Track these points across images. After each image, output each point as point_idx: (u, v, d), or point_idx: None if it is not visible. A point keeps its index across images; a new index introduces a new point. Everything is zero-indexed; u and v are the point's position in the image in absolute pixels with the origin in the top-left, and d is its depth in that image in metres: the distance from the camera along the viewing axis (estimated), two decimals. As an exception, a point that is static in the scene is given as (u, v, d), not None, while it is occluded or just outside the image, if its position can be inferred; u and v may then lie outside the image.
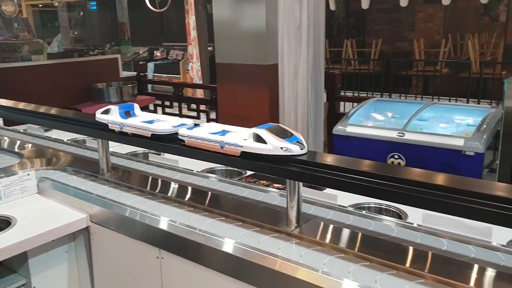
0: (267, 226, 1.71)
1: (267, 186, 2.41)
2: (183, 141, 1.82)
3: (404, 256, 1.47)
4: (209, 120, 6.34)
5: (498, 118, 3.69)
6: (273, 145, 1.57)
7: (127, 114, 2.09)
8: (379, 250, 1.51)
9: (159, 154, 2.74)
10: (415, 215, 1.76)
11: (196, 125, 1.94)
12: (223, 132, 1.78)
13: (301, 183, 1.67)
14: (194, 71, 9.10)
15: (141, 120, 1.99)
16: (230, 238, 1.63)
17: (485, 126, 3.66)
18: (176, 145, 1.86)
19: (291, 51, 2.34)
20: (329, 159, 1.62)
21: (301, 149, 1.58)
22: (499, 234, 1.56)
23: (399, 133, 3.96)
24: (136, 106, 2.15)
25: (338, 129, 4.29)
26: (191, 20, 9.02)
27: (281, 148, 1.57)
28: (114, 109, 2.09)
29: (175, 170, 2.40)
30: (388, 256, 1.46)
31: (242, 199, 1.99)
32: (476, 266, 1.39)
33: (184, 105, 6.92)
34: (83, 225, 2.03)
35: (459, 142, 3.58)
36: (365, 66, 9.70)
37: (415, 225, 1.70)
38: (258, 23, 4.09)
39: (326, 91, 5.51)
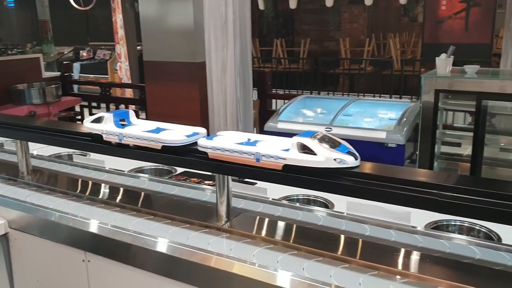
0: (196, 223, 1.70)
1: (198, 183, 2.40)
2: (205, 153, 1.55)
3: (330, 243, 1.52)
4: (139, 120, 6.18)
5: (417, 112, 3.90)
6: (325, 157, 1.36)
7: (122, 122, 1.81)
8: (307, 239, 1.55)
9: (85, 155, 2.63)
10: (341, 204, 1.82)
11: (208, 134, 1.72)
12: (252, 142, 1.55)
13: (230, 178, 1.68)
14: (123, 71, 8.85)
15: (143, 129, 1.72)
16: (159, 237, 1.60)
17: (405, 119, 3.86)
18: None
19: (218, 47, 2.34)
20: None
21: (356, 160, 1.37)
22: (417, 218, 1.65)
23: (326, 128, 4.08)
24: (132, 113, 1.87)
25: (270, 125, 4.36)
26: (118, 19, 8.77)
27: (335, 159, 1.36)
28: (108, 117, 1.78)
29: (101, 170, 2.32)
30: (315, 244, 1.50)
31: (171, 197, 1.97)
32: (397, 249, 1.46)
33: (112, 106, 6.72)
34: (0, 232, 1.91)
35: (381, 135, 3.75)
36: (294, 65, 9.91)
37: (344, 213, 1.75)
38: (186, 20, 4.05)
39: (257, 89, 5.58)
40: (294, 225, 1.67)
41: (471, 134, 3.50)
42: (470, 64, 3.80)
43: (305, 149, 1.39)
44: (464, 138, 3.82)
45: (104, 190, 2.07)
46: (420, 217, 1.70)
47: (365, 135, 3.83)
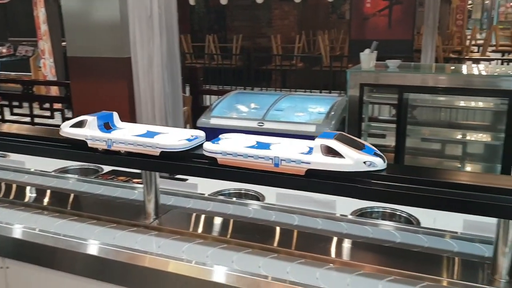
0: (124, 222, 1.65)
1: (126, 181, 2.34)
2: (213, 159, 1.39)
3: (259, 235, 1.53)
4: (64, 119, 5.92)
5: (344, 106, 4.03)
6: (355, 160, 1.24)
7: (106, 126, 1.61)
8: (237, 232, 1.56)
9: (4, 156, 2.48)
10: (273, 196, 1.84)
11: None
12: (264, 145, 1.40)
13: (157, 175, 1.64)
14: (47, 68, 8.41)
15: (134, 134, 1.55)
16: (83, 238, 1.54)
17: (333, 113, 3.99)
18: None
19: (143, 41, 2.28)
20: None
21: (384, 162, 1.27)
22: (343, 206, 1.71)
23: (259, 123, 4.13)
24: (116, 115, 1.67)
25: (202, 121, 4.33)
26: (40, 13, 8.31)
27: (364, 162, 1.25)
28: (91, 120, 1.56)
29: (22, 172, 2.20)
30: (245, 236, 1.51)
31: (96, 197, 1.90)
32: (323, 237, 1.50)
33: (36, 105, 6.37)
34: None
35: (311, 129, 3.85)
36: (227, 61, 9.90)
37: (274, 205, 1.77)
38: (112, 14, 3.92)
39: (189, 85, 5.53)
40: (225, 219, 1.67)
41: (395, 125, 3.67)
42: (394, 59, 3.98)
43: (330, 151, 1.26)
44: (388, 129, 4.00)
45: (25, 192, 1.96)
46: (347, 205, 1.76)
47: (296, 129, 3.91)
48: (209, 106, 4.74)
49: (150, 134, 1.54)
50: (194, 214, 1.71)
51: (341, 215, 1.65)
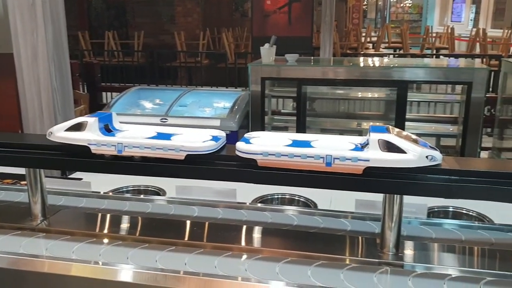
0: (7, 225, 1.51)
1: (12, 184, 2.16)
2: (253, 160, 1.23)
3: (156, 230, 1.48)
4: None
5: (247, 100, 4.08)
6: (418, 154, 1.14)
7: (107, 128, 1.40)
8: (132, 228, 1.49)
9: None
10: (173, 190, 1.79)
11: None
12: (303, 143, 1.26)
13: (43, 174, 1.52)
14: None
15: (145, 136, 1.35)
16: (-43, 245, 1.38)
17: (237, 107, 4.01)
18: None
19: (26, 31, 2.11)
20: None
21: (441, 155, 1.19)
22: (243, 194, 1.71)
23: (162, 119, 4.03)
24: (115, 116, 1.45)
25: (100, 120, 4.14)
26: None
27: (427, 157, 1.15)
28: (93, 122, 1.35)
29: None
30: (140, 231, 1.45)
31: (-25, 200, 1.72)
32: (223, 225, 1.49)
33: None
34: None
35: (216, 123, 3.84)
36: (129, 58, 9.58)
37: (174, 199, 1.73)
38: (-7, 6, 3.60)
39: (86, 82, 5.26)
40: (120, 216, 1.59)
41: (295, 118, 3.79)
42: (293, 54, 4.09)
43: (389, 147, 1.16)
44: (290, 122, 4.11)
45: None
46: (247, 193, 1.77)
47: (200, 124, 3.88)
48: (107, 103, 4.54)
49: (166, 136, 1.34)
50: (85, 213, 1.62)
51: (241, 203, 1.65)
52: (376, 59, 5.68)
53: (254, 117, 3.85)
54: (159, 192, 2.06)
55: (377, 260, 1.26)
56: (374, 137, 1.18)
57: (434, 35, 11.60)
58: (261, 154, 1.22)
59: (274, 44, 3.97)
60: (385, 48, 11.29)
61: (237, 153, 1.26)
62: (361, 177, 1.17)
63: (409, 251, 1.29)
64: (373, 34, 13.65)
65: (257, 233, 1.46)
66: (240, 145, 1.26)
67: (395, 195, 1.23)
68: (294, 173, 1.21)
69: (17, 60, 2.16)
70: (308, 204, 1.76)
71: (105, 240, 1.42)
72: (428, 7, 18.42)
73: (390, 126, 1.27)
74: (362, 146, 1.23)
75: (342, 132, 4.17)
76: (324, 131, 4.15)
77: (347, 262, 1.26)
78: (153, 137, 1.34)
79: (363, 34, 11.87)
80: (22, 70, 2.15)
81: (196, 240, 1.39)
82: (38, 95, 2.13)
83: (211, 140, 1.30)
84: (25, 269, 1.31)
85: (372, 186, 1.19)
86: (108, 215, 1.59)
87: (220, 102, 4.52)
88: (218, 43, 11.42)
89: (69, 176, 2.19)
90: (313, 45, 7.90)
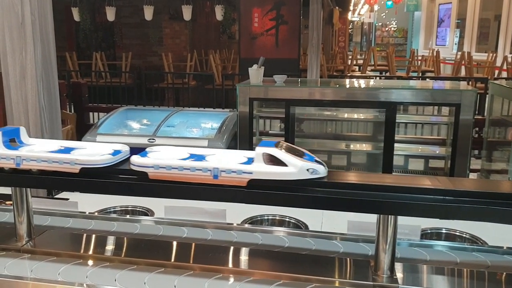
0: (-9, 246, 1.46)
1: (-4, 204, 2.10)
2: (144, 173, 1.25)
3: (145, 251, 1.44)
4: None
5: (235, 121, 4.07)
6: (298, 167, 1.18)
7: (13, 142, 1.42)
8: (120, 249, 1.46)
9: None
10: (161, 210, 1.76)
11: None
12: (199, 157, 1.30)
13: (29, 193, 1.48)
14: None
15: (47, 150, 1.37)
16: None
17: (224, 128, 4.00)
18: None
19: (15, 50, 2.08)
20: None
21: (325, 169, 1.23)
22: (233, 215, 1.69)
23: (149, 139, 4.00)
24: (23, 131, 1.48)
25: (87, 139, 4.09)
26: None
27: (307, 170, 1.19)
28: None
29: None
30: (128, 253, 1.42)
31: (-43, 221, 1.67)
32: (212, 247, 1.45)
33: None
34: None
35: (203, 143, 3.82)
36: (116, 79, 9.57)
37: (163, 219, 1.69)
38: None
39: (73, 102, 5.21)
40: (107, 237, 1.55)
41: (283, 139, 3.78)
42: (281, 75, 4.11)
43: (272, 160, 1.20)
44: (278, 143, 4.10)
45: None
46: (237, 214, 1.74)
47: (188, 144, 3.84)
48: (95, 123, 4.50)
49: (67, 150, 1.38)
50: (72, 234, 1.58)
51: (231, 224, 1.63)
52: (364, 81, 5.74)
53: (242, 138, 3.84)
54: (147, 212, 2.02)
55: (371, 283, 1.24)
56: (259, 151, 1.22)
57: (420, 58, 11.82)
58: (152, 167, 1.25)
59: (262, 65, 3.99)
60: (371, 70, 11.46)
61: (131, 166, 1.28)
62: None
63: (403, 273, 1.27)
64: (358, 56, 13.87)
65: (247, 255, 1.43)
66: (133, 158, 1.29)
67: (390, 216, 1.22)
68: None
69: (5, 79, 2.13)
70: (299, 225, 1.74)
71: (92, 262, 1.38)
72: (413, 31, 18.83)
73: (282, 141, 1.30)
74: (253, 160, 1.26)
75: (330, 153, 4.19)
76: (312, 152, 4.16)
77: (341, 284, 1.24)
78: (56, 151, 1.37)
79: (349, 57, 12.04)
80: (10, 89, 2.12)
81: (186, 262, 1.35)
82: (26, 114, 2.09)
83: (109, 154, 1.33)
84: (9, 292, 1.27)
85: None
86: (95, 236, 1.55)
87: (208, 123, 4.50)
88: (205, 64, 11.47)
89: (55, 196, 2.15)
90: (300, 67, 7.97)
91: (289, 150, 1.24)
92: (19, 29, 2.07)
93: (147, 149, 1.36)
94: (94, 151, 1.36)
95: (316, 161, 1.23)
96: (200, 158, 1.30)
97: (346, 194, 1.19)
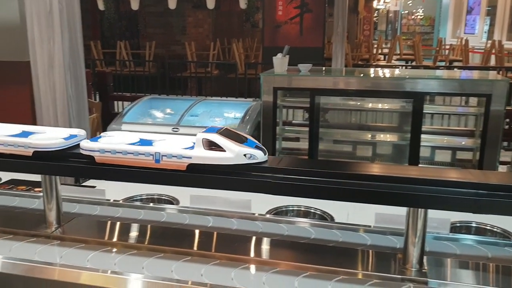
0: (22, 232, 1.50)
1: (26, 191, 2.15)
2: (91, 157, 1.32)
3: (171, 239, 1.45)
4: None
5: (258, 110, 4.06)
6: (235, 152, 1.24)
7: None
8: (147, 237, 1.47)
9: None
10: (186, 199, 1.77)
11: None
12: (146, 142, 1.34)
13: (58, 181, 1.51)
14: None
15: (5, 134, 1.42)
16: (-29, 252, 1.37)
17: (248, 117, 3.99)
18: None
19: (43, 39, 2.11)
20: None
21: (265, 155, 1.28)
22: (258, 206, 1.68)
23: (173, 128, 4.03)
24: None
25: (113, 128, 4.14)
26: None
27: (245, 155, 1.25)
28: None
29: None
30: (155, 241, 1.43)
31: (-10, 207, 1.71)
32: (238, 236, 1.46)
33: None
34: None
35: (227, 133, 3.82)
36: (140, 68, 9.64)
37: (189, 208, 1.70)
38: (10, 13, 3.63)
39: (99, 91, 5.27)
40: (134, 225, 1.57)
41: (308, 129, 3.75)
42: (305, 64, 4.07)
43: (212, 145, 1.25)
44: (302, 133, 4.08)
45: None
46: (262, 205, 1.74)
47: (211, 134, 3.86)
48: (120, 112, 4.54)
49: (25, 134, 1.43)
50: (100, 221, 1.60)
51: (257, 214, 1.62)
52: (390, 70, 5.64)
53: (265, 128, 3.82)
54: (172, 201, 2.04)
55: (399, 276, 1.22)
56: (200, 136, 1.27)
57: (447, 47, 11.55)
58: (98, 151, 1.31)
59: (287, 54, 3.95)
60: (397, 59, 11.26)
61: (80, 150, 1.34)
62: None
63: (432, 267, 1.25)
64: (384, 45, 13.64)
65: (273, 246, 1.42)
66: (82, 143, 1.35)
67: (419, 209, 1.19)
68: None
69: (34, 68, 2.16)
70: (324, 217, 1.73)
71: (120, 249, 1.40)
72: (440, 19, 18.38)
73: (227, 128, 1.34)
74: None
75: (355, 144, 4.14)
76: (337, 142, 4.12)
77: (368, 277, 1.23)
78: (14, 135, 1.42)
79: (375, 46, 11.85)
80: (38, 78, 2.15)
81: (211, 251, 1.36)
82: (54, 103, 2.12)
83: (62, 138, 1.39)
84: (40, 276, 1.30)
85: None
86: (123, 224, 1.57)
87: (231, 112, 4.50)
88: (228, 53, 11.45)
89: (82, 184, 2.18)
90: (324, 56, 7.88)
91: (229, 136, 1.28)
92: (47, 17, 2.09)
93: (101, 134, 1.44)
94: (50, 136, 1.42)
95: (257, 147, 1.28)
96: (148, 143, 1.34)
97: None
